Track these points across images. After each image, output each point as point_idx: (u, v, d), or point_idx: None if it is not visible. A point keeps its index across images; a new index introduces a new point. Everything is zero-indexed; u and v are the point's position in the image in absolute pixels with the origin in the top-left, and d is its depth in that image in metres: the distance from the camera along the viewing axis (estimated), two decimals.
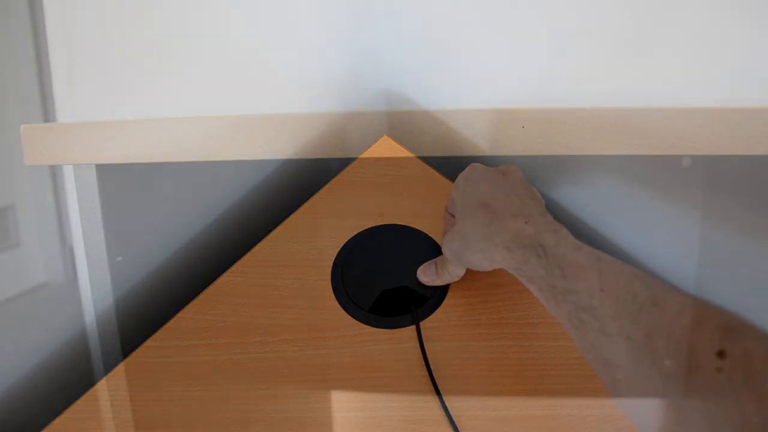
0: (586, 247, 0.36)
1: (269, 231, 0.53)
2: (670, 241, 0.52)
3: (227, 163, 0.50)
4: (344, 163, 0.55)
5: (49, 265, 0.68)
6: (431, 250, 0.52)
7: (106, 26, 0.58)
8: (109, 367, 0.47)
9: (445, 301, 0.49)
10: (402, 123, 0.50)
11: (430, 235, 0.53)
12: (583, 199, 0.54)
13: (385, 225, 0.53)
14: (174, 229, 0.56)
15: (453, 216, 0.46)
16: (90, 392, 0.45)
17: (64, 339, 0.54)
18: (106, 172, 0.52)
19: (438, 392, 0.44)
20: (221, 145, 0.49)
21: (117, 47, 0.58)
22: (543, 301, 0.37)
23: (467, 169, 0.46)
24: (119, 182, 0.53)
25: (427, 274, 0.49)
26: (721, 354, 0.26)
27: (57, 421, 0.43)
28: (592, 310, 0.33)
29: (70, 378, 0.53)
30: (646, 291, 0.31)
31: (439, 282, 0.48)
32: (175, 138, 0.48)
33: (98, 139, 0.49)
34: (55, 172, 0.68)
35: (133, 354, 0.47)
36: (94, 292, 0.50)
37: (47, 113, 0.63)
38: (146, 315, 0.52)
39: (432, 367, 0.45)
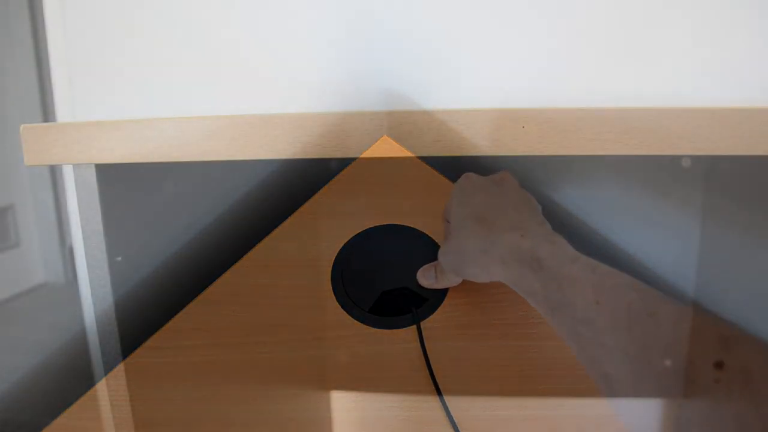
0: (583, 257, 0.35)
1: (269, 231, 0.53)
2: (669, 240, 0.52)
3: (227, 163, 0.50)
4: (344, 163, 0.55)
5: (48, 265, 0.68)
6: (431, 250, 0.52)
7: (105, 27, 0.58)
8: (108, 366, 0.47)
9: (445, 301, 0.49)
10: (402, 123, 0.50)
11: (430, 235, 0.53)
12: (583, 199, 0.54)
13: (385, 225, 0.53)
14: (174, 228, 0.56)
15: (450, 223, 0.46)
16: (90, 392, 0.45)
17: (64, 339, 0.54)
18: (106, 172, 0.52)
19: (439, 392, 0.44)
20: (221, 145, 0.49)
21: (116, 48, 0.58)
22: (542, 314, 0.37)
23: (461, 179, 0.46)
24: (119, 182, 0.53)
25: (427, 278, 0.49)
26: (718, 365, 0.26)
27: (57, 420, 0.43)
28: (588, 322, 0.33)
29: (70, 378, 0.53)
30: (641, 302, 0.31)
31: (438, 286, 0.49)
32: (175, 138, 0.48)
33: (98, 139, 0.49)
34: (54, 171, 0.68)
35: (133, 354, 0.47)
36: (93, 292, 0.50)
37: (47, 113, 0.63)
38: (146, 315, 0.52)
39: (432, 366, 0.45)
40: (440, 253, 0.45)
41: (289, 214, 0.54)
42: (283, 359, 0.46)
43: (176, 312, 0.48)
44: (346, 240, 0.52)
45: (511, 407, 0.43)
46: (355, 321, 0.48)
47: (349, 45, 0.55)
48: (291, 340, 0.47)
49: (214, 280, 0.50)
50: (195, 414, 0.44)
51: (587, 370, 0.34)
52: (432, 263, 0.49)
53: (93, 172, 0.51)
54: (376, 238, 0.53)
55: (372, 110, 0.49)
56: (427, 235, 0.53)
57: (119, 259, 0.50)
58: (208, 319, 0.48)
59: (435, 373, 0.45)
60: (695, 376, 0.27)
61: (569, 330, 0.34)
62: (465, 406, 0.43)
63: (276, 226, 0.53)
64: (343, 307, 0.49)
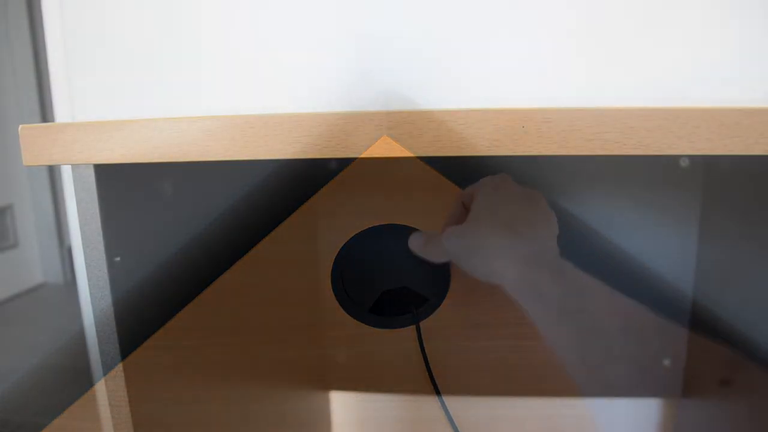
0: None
1: (269, 231, 0.53)
2: (668, 240, 0.52)
3: (227, 163, 0.50)
4: (344, 163, 0.55)
5: (47, 266, 0.68)
6: None
7: (104, 27, 0.58)
8: (107, 367, 0.46)
9: (445, 301, 0.49)
10: (402, 123, 0.50)
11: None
12: (583, 199, 0.54)
13: (385, 225, 0.53)
14: (173, 229, 0.56)
15: (465, 207, 0.46)
16: (89, 393, 0.45)
17: (63, 339, 0.54)
18: (105, 173, 0.52)
19: (438, 392, 0.44)
20: (220, 146, 0.49)
21: (115, 48, 0.57)
22: (543, 320, 0.38)
23: (500, 179, 0.46)
24: (118, 182, 0.53)
25: (416, 243, 0.49)
26: (725, 382, 0.29)
27: (56, 421, 0.43)
28: (599, 331, 0.34)
29: (69, 378, 0.53)
30: (652, 321, 0.34)
31: (423, 255, 0.48)
32: (174, 138, 0.48)
33: (96, 139, 0.49)
34: (53, 172, 0.68)
35: (132, 354, 0.46)
36: (92, 293, 0.50)
37: (45, 113, 0.63)
38: (145, 315, 0.52)
39: (432, 367, 0.45)
40: (447, 234, 0.45)
41: (289, 214, 0.54)
42: (283, 359, 0.46)
43: (175, 312, 0.48)
44: (346, 240, 0.52)
45: (511, 407, 0.43)
46: (355, 321, 0.48)
47: (350, 45, 0.55)
48: (291, 341, 0.47)
49: (214, 280, 0.50)
50: (194, 414, 0.43)
51: (580, 379, 0.35)
52: (428, 232, 0.49)
53: (92, 172, 0.51)
54: (376, 238, 0.53)
55: (372, 110, 0.49)
56: None
57: (118, 259, 0.50)
58: (207, 319, 0.48)
59: (435, 373, 0.45)
60: (702, 390, 0.29)
61: (577, 337, 0.35)
62: (465, 406, 0.43)
63: (276, 226, 0.53)
64: (343, 307, 0.49)
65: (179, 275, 0.57)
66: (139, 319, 0.52)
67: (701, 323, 0.48)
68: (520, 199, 0.44)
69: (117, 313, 0.51)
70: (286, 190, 0.56)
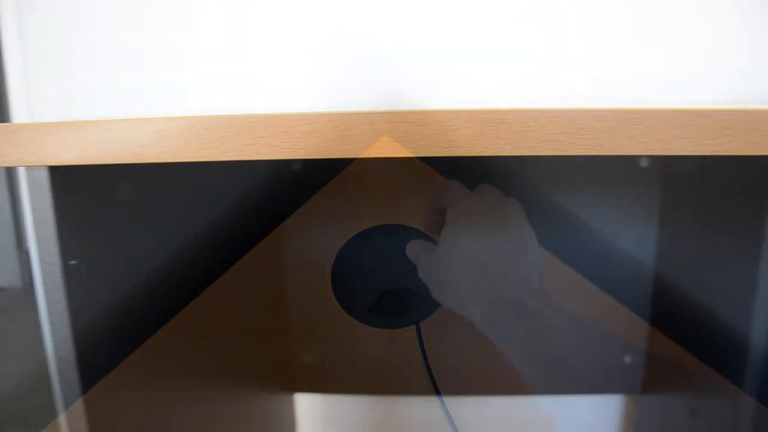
0: (564, 309, 0.38)
1: (269, 231, 0.52)
2: (629, 234, 0.53)
3: (225, 163, 0.49)
4: (344, 163, 0.55)
5: (5, 270, 0.66)
6: None
7: (61, 27, 0.57)
8: (63, 372, 0.45)
9: None
10: (402, 123, 0.50)
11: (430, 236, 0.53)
12: (552, 201, 0.55)
13: (385, 225, 0.53)
14: (133, 232, 0.55)
15: (438, 213, 0.46)
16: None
17: (20, 345, 0.53)
18: (60, 174, 0.51)
19: (438, 392, 0.44)
20: (175, 147, 0.48)
21: (75, 47, 0.56)
22: (513, 359, 0.38)
23: (480, 191, 0.44)
24: (74, 184, 0.52)
25: (413, 252, 0.49)
26: (694, 413, 0.31)
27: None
28: (567, 370, 0.35)
29: (27, 385, 0.51)
30: (620, 354, 0.35)
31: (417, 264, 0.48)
32: (129, 140, 0.47)
33: (51, 140, 0.47)
34: (11, 173, 0.67)
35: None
36: (47, 297, 0.48)
37: (3, 114, 0.62)
38: (104, 319, 0.51)
39: (432, 367, 0.45)
40: (411, 247, 0.45)
41: (289, 215, 0.53)
42: (282, 360, 0.45)
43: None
44: (346, 240, 0.52)
45: (511, 407, 0.43)
46: (355, 321, 0.48)
47: (349, 44, 0.55)
48: (291, 341, 0.46)
49: (209, 282, 0.49)
50: (194, 415, 0.43)
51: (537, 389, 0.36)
52: (424, 242, 0.49)
53: (45, 174, 0.50)
54: (376, 238, 0.53)
55: (372, 110, 0.50)
56: (426, 236, 0.53)
57: (74, 262, 0.49)
58: (205, 320, 0.46)
59: (435, 373, 0.45)
60: (672, 423, 0.30)
61: (548, 381, 0.37)
62: (465, 406, 0.43)
63: (276, 227, 0.53)
64: (343, 307, 0.49)
65: (141, 279, 0.56)
66: (98, 324, 0.51)
67: (661, 321, 0.49)
68: (492, 225, 0.43)
69: (73, 316, 0.50)
70: (285, 191, 0.56)
